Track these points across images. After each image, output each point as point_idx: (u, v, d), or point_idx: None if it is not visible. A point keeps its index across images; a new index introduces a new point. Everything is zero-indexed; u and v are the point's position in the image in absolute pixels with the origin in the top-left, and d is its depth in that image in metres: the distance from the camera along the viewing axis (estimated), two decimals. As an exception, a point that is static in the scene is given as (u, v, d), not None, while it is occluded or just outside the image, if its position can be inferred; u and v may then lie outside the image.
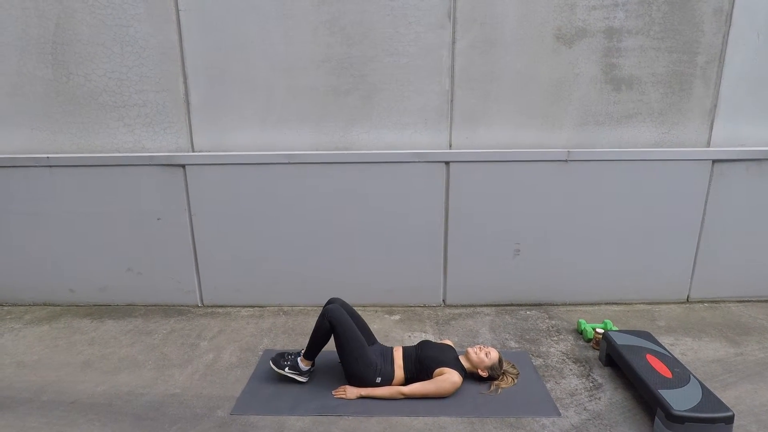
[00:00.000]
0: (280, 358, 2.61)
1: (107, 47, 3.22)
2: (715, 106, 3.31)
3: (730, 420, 2.07)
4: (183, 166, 3.35)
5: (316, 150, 3.38)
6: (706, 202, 3.41)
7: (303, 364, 2.58)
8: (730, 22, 3.17)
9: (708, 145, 3.38)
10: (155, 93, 3.29)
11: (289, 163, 3.32)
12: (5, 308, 3.63)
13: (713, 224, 3.46)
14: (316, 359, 2.68)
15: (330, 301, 2.67)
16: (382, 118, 3.32)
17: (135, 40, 3.21)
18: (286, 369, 2.58)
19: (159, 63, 3.24)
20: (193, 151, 3.40)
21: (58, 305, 3.67)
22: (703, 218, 3.45)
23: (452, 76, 3.25)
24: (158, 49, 3.22)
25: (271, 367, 2.60)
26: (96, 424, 2.31)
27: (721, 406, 2.12)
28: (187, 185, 3.38)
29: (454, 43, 3.20)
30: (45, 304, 3.68)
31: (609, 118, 3.32)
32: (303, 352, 2.59)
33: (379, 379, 2.49)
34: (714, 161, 3.33)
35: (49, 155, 3.35)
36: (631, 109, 3.31)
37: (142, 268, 3.56)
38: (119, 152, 3.41)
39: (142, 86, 3.28)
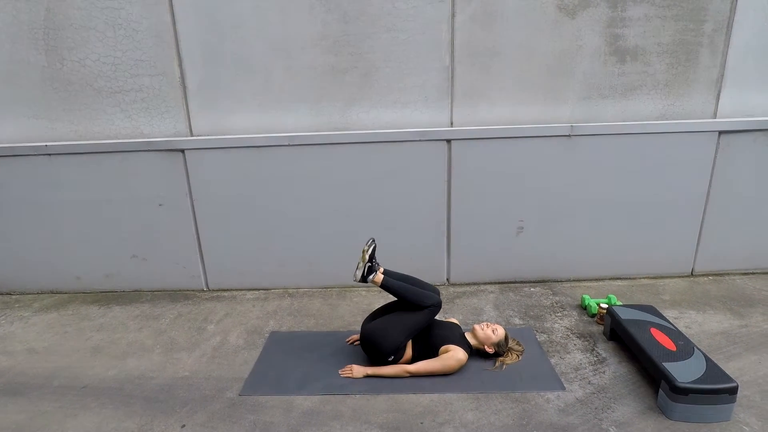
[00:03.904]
0: (374, 251, 2.56)
1: (100, 31, 3.16)
2: (722, 75, 3.23)
3: (734, 391, 2.09)
4: (182, 150, 3.32)
5: (316, 131, 3.34)
6: (711, 174, 3.37)
7: (375, 277, 2.53)
8: (739, -13, 3.07)
9: (714, 116, 3.31)
10: (151, 77, 3.24)
11: (289, 145, 3.28)
12: (14, 297, 3.67)
13: (718, 197, 3.42)
14: (329, 336, 2.70)
15: (437, 291, 2.61)
16: (382, 97, 3.26)
17: (127, 23, 3.14)
18: (367, 264, 2.51)
19: (153, 46, 3.18)
20: (192, 136, 3.37)
21: (65, 293, 3.70)
22: (708, 191, 3.41)
23: (452, 52, 3.18)
24: (151, 31, 3.15)
25: (369, 244, 2.55)
26: (108, 407, 2.36)
27: (725, 377, 2.13)
28: (187, 170, 3.36)
29: (453, 16, 3.11)
30: (52, 292, 3.71)
31: (613, 90, 3.26)
32: (383, 276, 2.53)
33: (391, 358, 2.51)
34: (720, 132, 3.27)
35: (48, 143, 3.32)
36: (636, 81, 3.24)
37: (147, 254, 3.58)
38: (117, 139, 3.38)
39: (137, 70, 3.23)
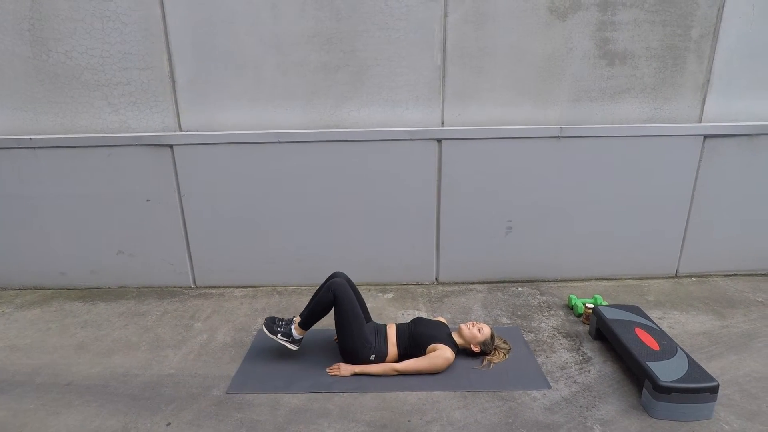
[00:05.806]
0: (273, 324, 2.57)
1: (87, 23, 3.11)
2: (708, 80, 3.29)
3: (715, 390, 2.13)
4: (171, 146, 3.28)
5: (307, 128, 3.33)
6: (696, 177, 3.43)
7: (296, 333, 2.56)
8: (725, -6, 3.12)
9: (700, 120, 3.37)
10: (139, 71, 3.20)
11: (279, 142, 3.27)
12: (-5, 292, 3.61)
13: (703, 200, 3.48)
14: (317, 334, 2.70)
15: (335, 275, 2.66)
16: (373, 95, 3.26)
17: (116, 15, 3.09)
18: (279, 336, 2.54)
19: (142, 39, 3.14)
20: (181, 131, 3.33)
21: (49, 288, 3.64)
22: (693, 194, 3.47)
23: (444, 52, 3.19)
24: (141, 24, 3.11)
25: (264, 331, 2.55)
26: (92, 405, 2.33)
27: (706, 376, 2.17)
28: (175, 165, 3.33)
29: (446, 16, 3.12)
30: (35, 288, 3.65)
31: (602, 93, 3.30)
32: (299, 321, 2.56)
33: (373, 357, 2.51)
34: (705, 137, 3.33)
35: (32, 136, 3.26)
36: (624, 84, 3.28)
37: (134, 250, 3.53)
38: (104, 132, 3.33)
39: (125, 64, 3.18)
